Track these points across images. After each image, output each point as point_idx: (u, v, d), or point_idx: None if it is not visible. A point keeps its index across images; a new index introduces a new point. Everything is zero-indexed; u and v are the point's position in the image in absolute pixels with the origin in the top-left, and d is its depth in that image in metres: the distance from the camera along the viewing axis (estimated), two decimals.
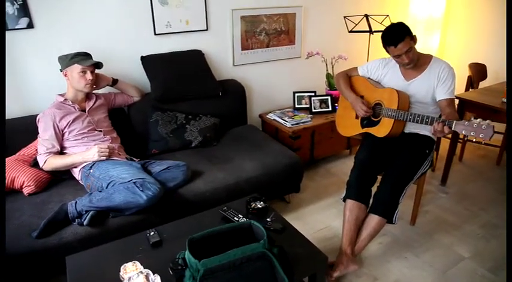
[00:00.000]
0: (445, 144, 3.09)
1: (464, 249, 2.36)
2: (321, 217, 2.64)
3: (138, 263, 1.48)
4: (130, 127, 2.63)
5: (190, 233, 1.44)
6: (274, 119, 3.10)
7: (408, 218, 2.60)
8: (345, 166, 3.29)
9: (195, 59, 2.85)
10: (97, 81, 2.39)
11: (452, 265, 2.23)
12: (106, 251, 1.64)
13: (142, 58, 2.69)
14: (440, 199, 2.89)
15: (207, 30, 2.93)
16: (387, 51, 2.17)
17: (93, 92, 2.41)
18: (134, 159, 2.33)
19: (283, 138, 2.99)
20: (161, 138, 2.58)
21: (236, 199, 2.02)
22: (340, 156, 3.39)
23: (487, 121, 1.80)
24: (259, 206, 1.87)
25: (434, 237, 2.47)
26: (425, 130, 2.27)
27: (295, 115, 3.11)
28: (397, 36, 2.06)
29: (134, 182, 1.95)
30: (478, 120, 1.81)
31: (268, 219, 1.79)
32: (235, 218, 1.78)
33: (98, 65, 2.31)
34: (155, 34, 2.73)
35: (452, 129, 1.88)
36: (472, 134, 1.82)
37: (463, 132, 1.85)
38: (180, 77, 2.69)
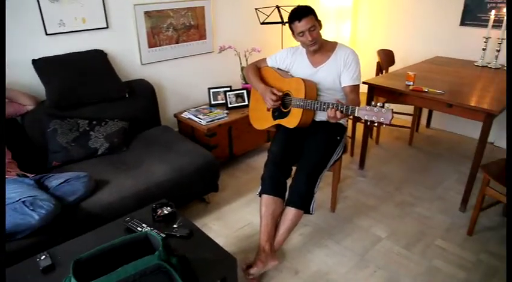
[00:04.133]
0: (360, 128, 3.16)
1: (382, 229, 2.43)
2: (242, 214, 2.57)
3: None
4: (26, 139, 2.37)
5: (87, 252, 1.30)
6: (189, 118, 2.98)
7: (328, 206, 2.62)
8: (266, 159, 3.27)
9: (96, 59, 2.64)
10: None
11: (370, 247, 2.29)
12: None
13: (34, 61, 2.42)
14: (359, 183, 2.96)
15: (107, 28, 2.73)
16: (292, 31, 2.19)
17: None
18: (28, 175, 2.09)
19: (200, 137, 2.88)
20: (62, 148, 2.35)
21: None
22: (261, 149, 3.36)
23: (387, 105, 1.84)
24: (166, 212, 1.75)
25: (353, 221, 2.51)
26: None
27: (210, 112, 3.01)
28: (302, 12, 2.11)
29: (23, 201, 1.73)
30: (378, 104, 1.84)
31: (174, 226, 1.68)
32: (138, 228, 1.65)
33: None
34: (46, 34, 2.48)
35: (356, 115, 1.89)
36: (374, 118, 1.84)
37: (366, 117, 1.87)
38: (79, 80, 2.47)
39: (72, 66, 2.49)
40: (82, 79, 2.48)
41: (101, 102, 2.57)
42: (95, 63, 2.61)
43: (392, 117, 1.82)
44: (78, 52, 2.59)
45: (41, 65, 2.44)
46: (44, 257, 1.53)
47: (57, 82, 2.41)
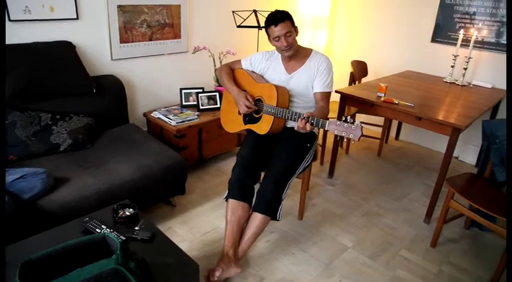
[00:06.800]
0: (331, 137, 3.18)
1: (348, 239, 2.43)
2: (209, 219, 2.51)
3: None
4: None
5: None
6: (158, 118, 2.89)
7: (296, 213, 2.60)
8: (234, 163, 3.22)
9: (64, 51, 2.52)
10: None
11: (336, 256, 2.27)
12: None
13: None
14: (328, 191, 2.96)
15: (77, 19, 2.62)
16: (268, 35, 2.17)
17: None
18: None
19: (169, 138, 2.81)
20: (20, 142, 2.22)
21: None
22: (232, 153, 3.31)
23: (357, 122, 1.84)
24: (127, 213, 1.67)
25: (320, 230, 2.50)
26: None
27: (181, 113, 2.94)
28: (279, 16, 2.10)
29: None
30: (349, 119, 1.83)
31: (136, 228, 1.61)
32: (97, 229, 1.56)
33: None
34: (10, 20, 2.35)
35: (326, 129, 1.88)
36: (343, 134, 1.83)
37: (335, 132, 1.86)
38: (44, 71, 2.35)
39: (37, 56, 2.37)
40: (47, 71, 2.36)
41: (66, 96, 2.46)
42: (62, 55, 2.49)
43: (362, 134, 1.81)
44: (45, 42, 2.47)
45: None
46: None
47: (19, 72, 2.28)
